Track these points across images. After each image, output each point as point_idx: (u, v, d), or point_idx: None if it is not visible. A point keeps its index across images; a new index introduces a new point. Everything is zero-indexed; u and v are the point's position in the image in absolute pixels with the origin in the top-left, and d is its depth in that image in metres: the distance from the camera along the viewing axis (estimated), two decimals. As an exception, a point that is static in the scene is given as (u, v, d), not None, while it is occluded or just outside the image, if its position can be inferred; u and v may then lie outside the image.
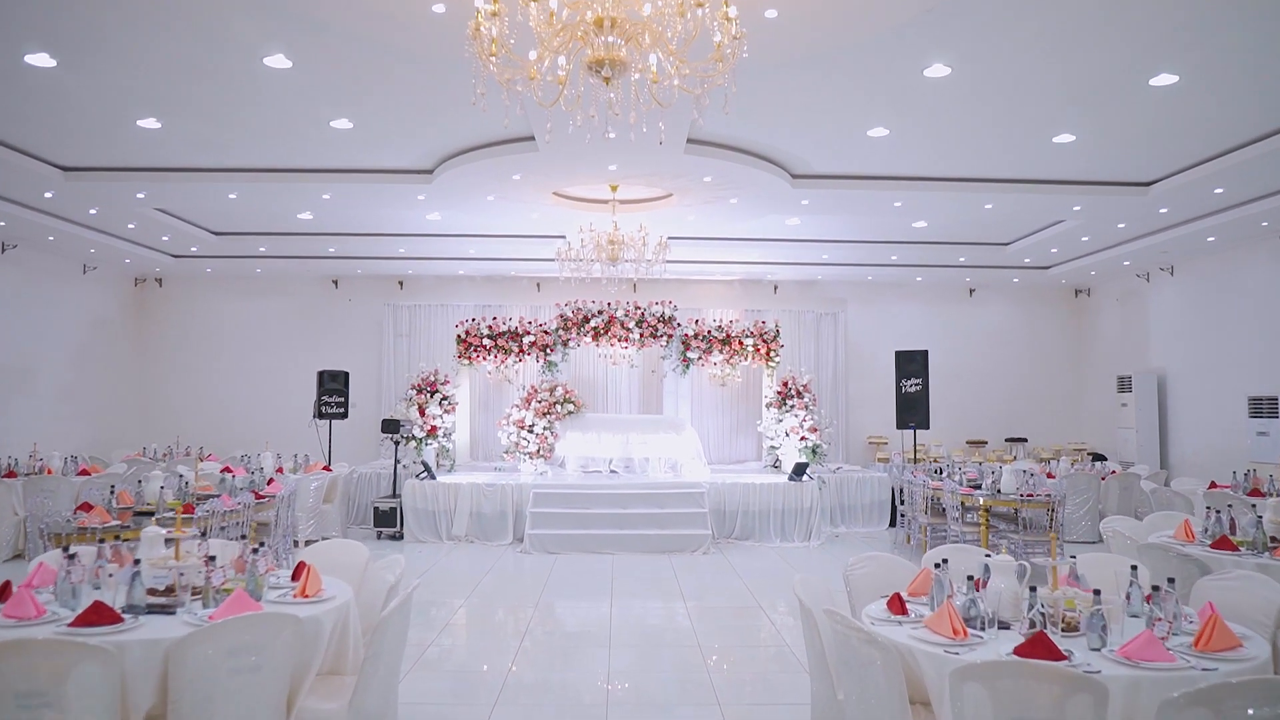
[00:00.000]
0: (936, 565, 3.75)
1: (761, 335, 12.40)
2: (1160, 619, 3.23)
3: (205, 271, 14.33)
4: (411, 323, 14.82)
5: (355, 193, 9.54)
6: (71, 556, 3.50)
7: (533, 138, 7.86)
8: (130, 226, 11.25)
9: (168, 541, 3.92)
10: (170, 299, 14.90)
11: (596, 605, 7.42)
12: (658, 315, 12.21)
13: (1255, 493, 8.15)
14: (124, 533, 5.61)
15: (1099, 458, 12.94)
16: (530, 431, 11.41)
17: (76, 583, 3.44)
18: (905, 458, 12.40)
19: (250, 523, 7.15)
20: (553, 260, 10.33)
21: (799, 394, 11.90)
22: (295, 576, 3.87)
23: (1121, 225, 10.88)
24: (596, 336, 12.15)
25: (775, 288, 15.23)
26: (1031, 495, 8.28)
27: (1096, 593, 3.25)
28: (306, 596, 3.67)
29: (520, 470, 11.39)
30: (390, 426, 11.11)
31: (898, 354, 12.60)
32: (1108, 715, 2.67)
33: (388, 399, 14.33)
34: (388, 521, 10.47)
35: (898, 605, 3.66)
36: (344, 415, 12.10)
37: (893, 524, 11.24)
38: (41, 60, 6.01)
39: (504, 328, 12.20)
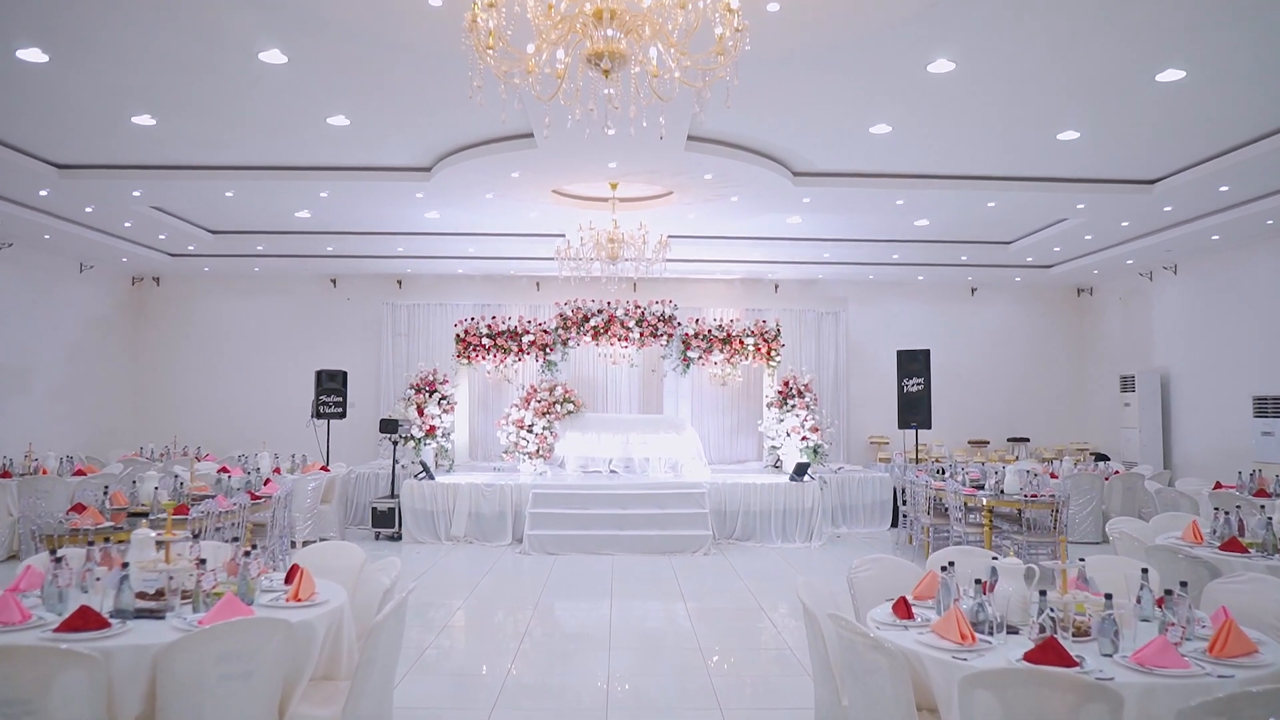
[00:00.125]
0: (943, 568, 3.68)
1: (762, 334, 12.32)
2: (1173, 624, 3.15)
3: (203, 270, 14.25)
4: (410, 322, 14.75)
5: (353, 191, 9.46)
6: (58, 560, 3.42)
7: (531, 134, 7.79)
8: (127, 225, 11.17)
9: (158, 544, 3.84)
10: (168, 298, 14.82)
11: (596, 607, 7.36)
12: (658, 314, 12.14)
13: (1261, 493, 8.08)
14: (115, 535, 5.53)
15: (1102, 458, 12.86)
16: (529, 431, 11.33)
17: (63, 586, 3.36)
18: (907, 458, 12.33)
19: (246, 524, 7.07)
20: (552, 259, 10.26)
21: (800, 394, 11.83)
22: (288, 580, 3.80)
23: (1125, 224, 10.80)
24: (596, 336, 12.08)
25: (776, 287, 15.16)
26: (1035, 496, 8.20)
27: (1108, 597, 3.17)
28: (299, 600, 3.59)
29: (519, 470, 11.32)
30: (388, 426, 11.03)
31: (899, 353, 12.53)
32: (1122, 724, 2.59)
33: (386, 399, 14.25)
34: (386, 522, 10.40)
35: (903, 609, 3.58)
36: (342, 415, 12.03)
37: (894, 524, 11.16)
38: (34, 55, 5.93)
39: (503, 327, 12.12)
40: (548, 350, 12.01)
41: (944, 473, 9.88)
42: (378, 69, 6.35)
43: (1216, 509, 5.53)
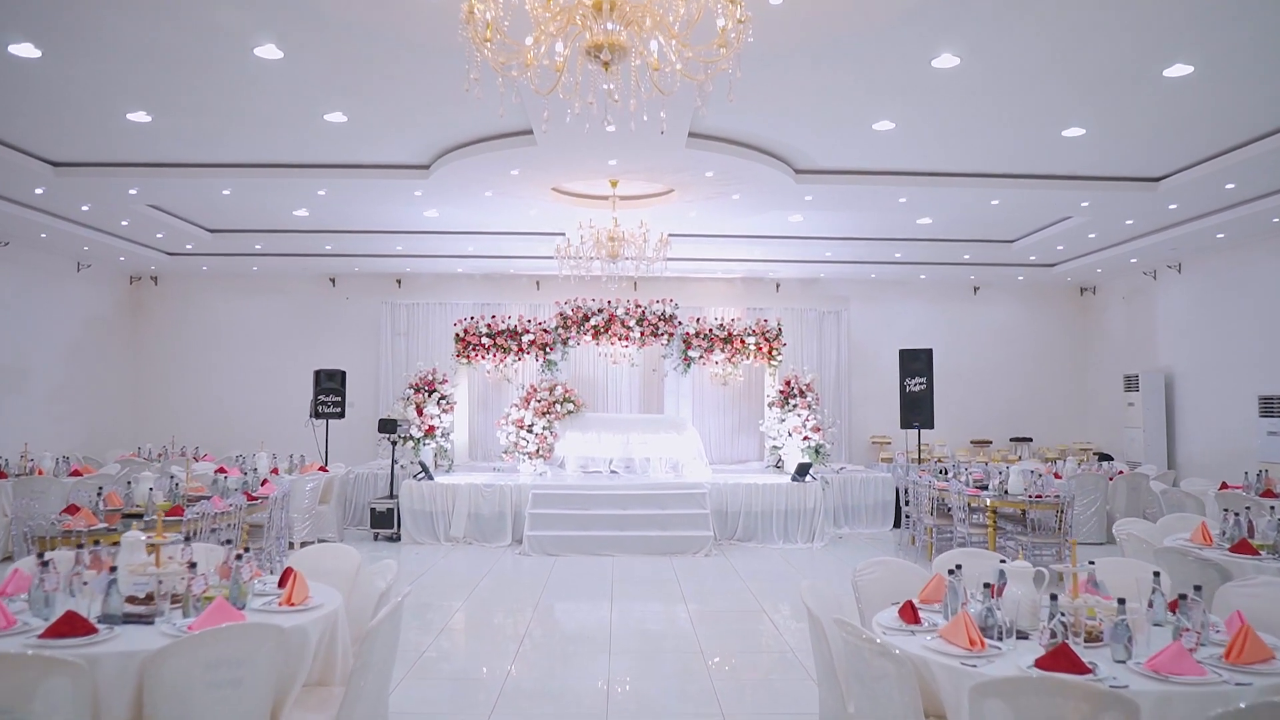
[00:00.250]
0: (950, 572, 3.60)
1: (763, 334, 12.25)
2: (1188, 629, 3.07)
3: (201, 270, 14.17)
4: (410, 321, 14.68)
5: (351, 188, 9.38)
6: (45, 563, 3.34)
7: (531, 131, 7.71)
8: (124, 223, 11.09)
9: (149, 547, 3.75)
10: (166, 297, 14.75)
11: (596, 608, 7.29)
12: (658, 313, 12.06)
13: (1268, 493, 8.00)
14: (107, 536, 5.45)
15: (1105, 457, 12.79)
16: (529, 431, 11.26)
17: (50, 590, 3.28)
18: (909, 458, 12.25)
19: (242, 525, 6.99)
20: (552, 258, 10.18)
21: (801, 393, 11.75)
22: (282, 583, 3.72)
23: (1129, 222, 10.72)
24: (596, 335, 12.01)
25: (777, 286, 15.08)
26: (1040, 496, 8.12)
27: (1121, 602, 3.08)
28: (293, 604, 3.52)
29: (519, 470, 11.25)
30: (387, 426, 10.96)
31: (902, 352, 12.45)
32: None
33: (385, 398, 14.18)
34: (385, 523, 10.32)
35: (910, 614, 3.50)
36: (341, 415, 11.96)
37: (897, 525, 11.08)
38: (26, 50, 5.85)
39: (503, 326, 12.05)
40: (548, 350, 11.94)
41: (947, 473, 9.80)
42: (375, 65, 6.27)
43: (1226, 510, 5.45)
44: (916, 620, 3.46)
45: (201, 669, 2.90)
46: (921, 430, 12.21)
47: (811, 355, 14.73)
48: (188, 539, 3.97)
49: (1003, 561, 3.89)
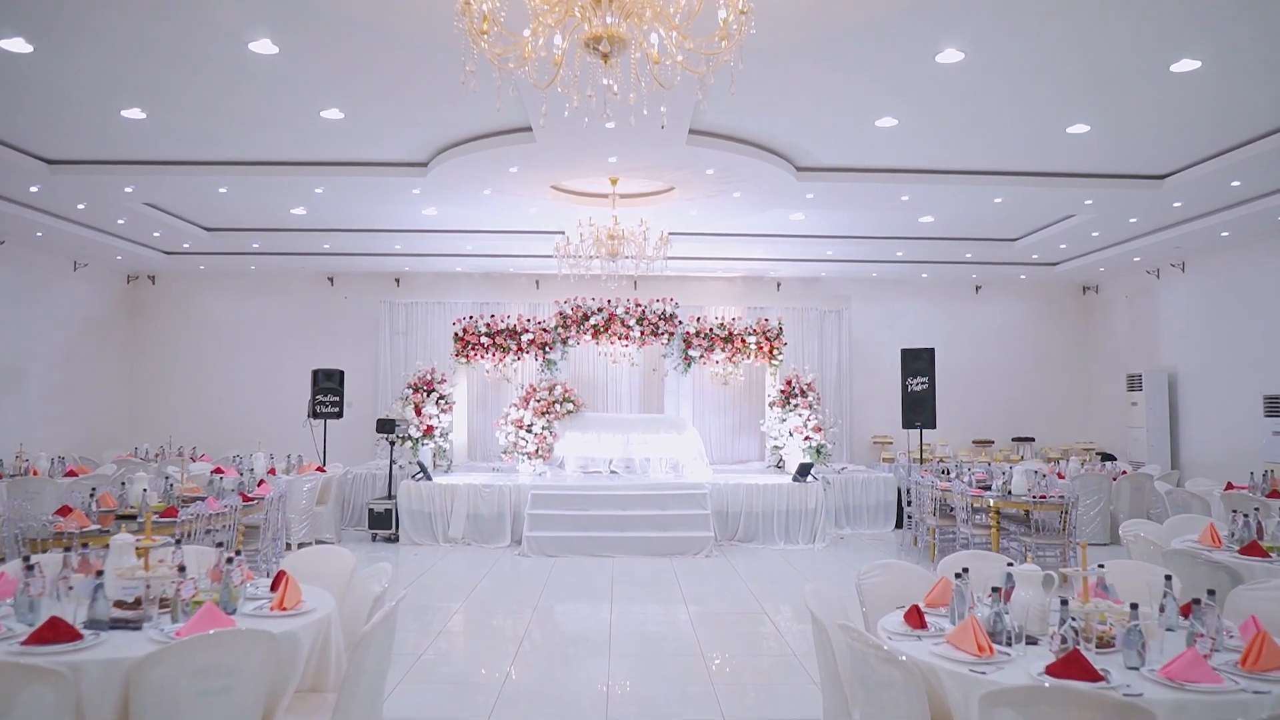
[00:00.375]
0: (957, 575, 3.52)
1: (764, 333, 12.17)
2: (1202, 634, 2.98)
3: (199, 269, 14.09)
4: (408, 320, 14.60)
5: (348, 186, 9.30)
6: (30, 567, 3.26)
7: (529, 128, 7.63)
8: (120, 222, 11.01)
9: (139, 550, 3.68)
10: (163, 297, 14.67)
11: (596, 610, 7.22)
12: (658, 313, 11.99)
13: (1275, 494, 7.92)
14: (96, 539, 5.36)
15: (1108, 458, 12.71)
16: (529, 431, 11.18)
17: (36, 595, 3.20)
18: (911, 458, 12.17)
19: (238, 527, 6.91)
20: (551, 257, 10.10)
21: (803, 393, 11.67)
22: (274, 587, 3.64)
23: (1133, 220, 10.63)
24: (596, 334, 11.93)
25: (778, 285, 14.99)
26: (1044, 497, 8.05)
27: (1134, 606, 3.00)
28: (284, 609, 3.43)
29: (518, 471, 11.18)
30: (385, 426, 10.88)
31: (903, 352, 12.38)
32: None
33: (384, 398, 14.10)
34: (383, 523, 10.25)
35: (916, 618, 3.42)
36: (339, 415, 11.89)
37: (899, 525, 11.01)
38: (17, 45, 5.77)
39: (502, 325, 11.99)
40: (547, 349, 11.86)
41: (949, 473, 9.73)
42: (371, 60, 6.19)
43: (1235, 511, 5.37)
44: (923, 625, 3.39)
45: (189, 676, 2.82)
46: (923, 430, 12.14)
47: (813, 355, 14.65)
48: (179, 542, 3.88)
49: (1010, 564, 3.81)
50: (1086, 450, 13.55)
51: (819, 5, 5.31)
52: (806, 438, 11.35)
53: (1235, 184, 8.83)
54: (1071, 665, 2.78)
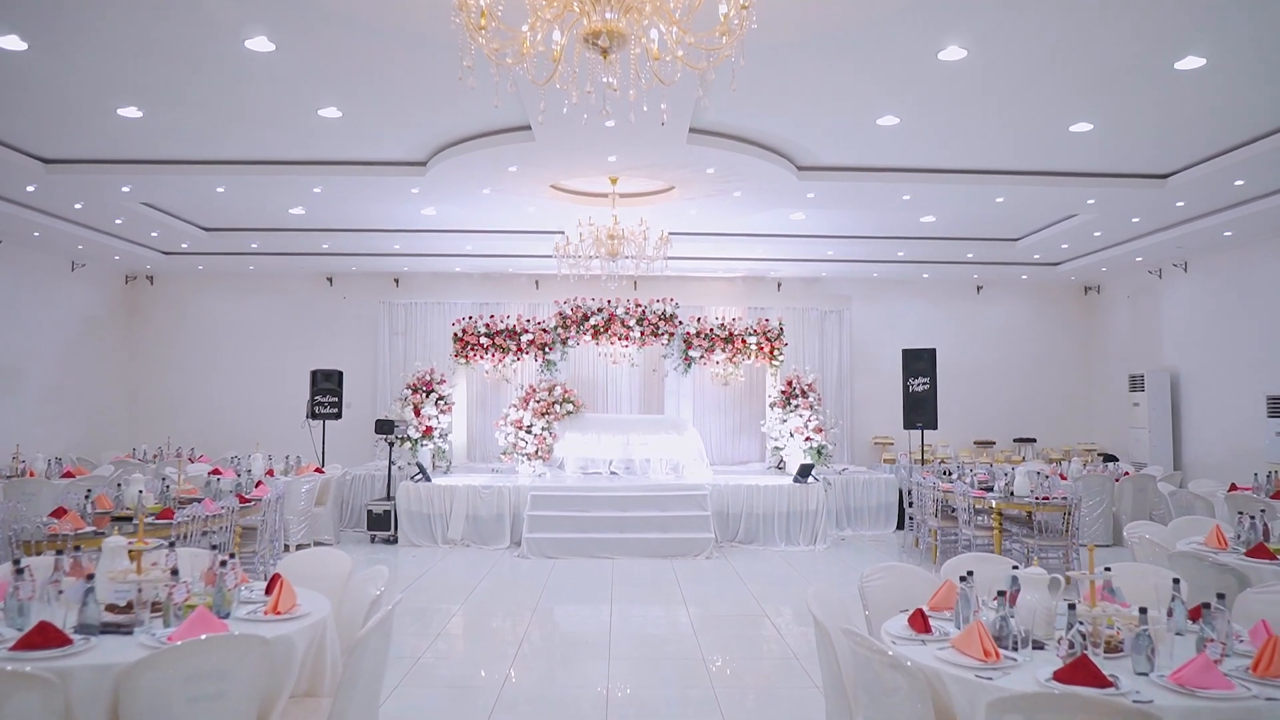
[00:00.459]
0: (962, 578, 3.47)
1: (765, 333, 12.11)
2: (1213, 639, 2.93)
3: (197, 269, 14.04)
4: (408, 321, 14.54)
5: (347, 186, 9.25)
6: (20, 570, 3.20)
7: (529, 127, 7.57)
8: (118, 222, 10.96)
9: (131, 552, 3.62)
10: (162, 297, 14.61)
11: (596, 612, 7.17)
12: (659, 313, 11.94)
13: (1279, 495, 7.86)
14: (91, 541, 5.31)
15: (1110, 458, 12.65)
16: (528, 432, 11.13)
17: (25, 599, 3.15)
18: (912, 459, 12.12)
19: (234, 528, 6.85)
20: (551, 257, 10.05)
21: (803, 393, 11.62)
22: (269, 590, 3.59)
23: (1136, 219, 10.58)
24: (596, 335, 11.88)
25: (779, 285, 14.94)
26: (1047, 498, 7.99)
27: (1143, 611, 2.95)
28: (279, 613, 3.38)
29: (518, 472, 11.13)
30: (384, 427, 10.83)
31: (905, 352, 12.32)
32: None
33: (383, 399, 14.04)
34: (381, 525, 10.19)
35: (920, 622, 3.37)
36: (337, 415, 11.84)
37: (900, 527, 10.95)
38: (12, 43, 5.71)
39: (502, 326, 11.93)
40: (547, 349, 11.81)
41: (951, 474, 9.68)
42: (368, 58, 6.13)
43: (1241, 513, 5.31)
44: (927, 629, 3.33)
45: (181, 682, 2.76)
46: (925, 431, 12.08)
47: (813, 355, 14.59)
48: (173, 544, 3.83)
49: (1015, 567, 3.76)
50: (1088, 451, 13.49)
51: (820, 1, 5.26)
52: (807, 438, 11.29)
53: (1239, 183, 8.78)
54: (1080, 671, 2.73)
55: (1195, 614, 3.31)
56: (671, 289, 13.72)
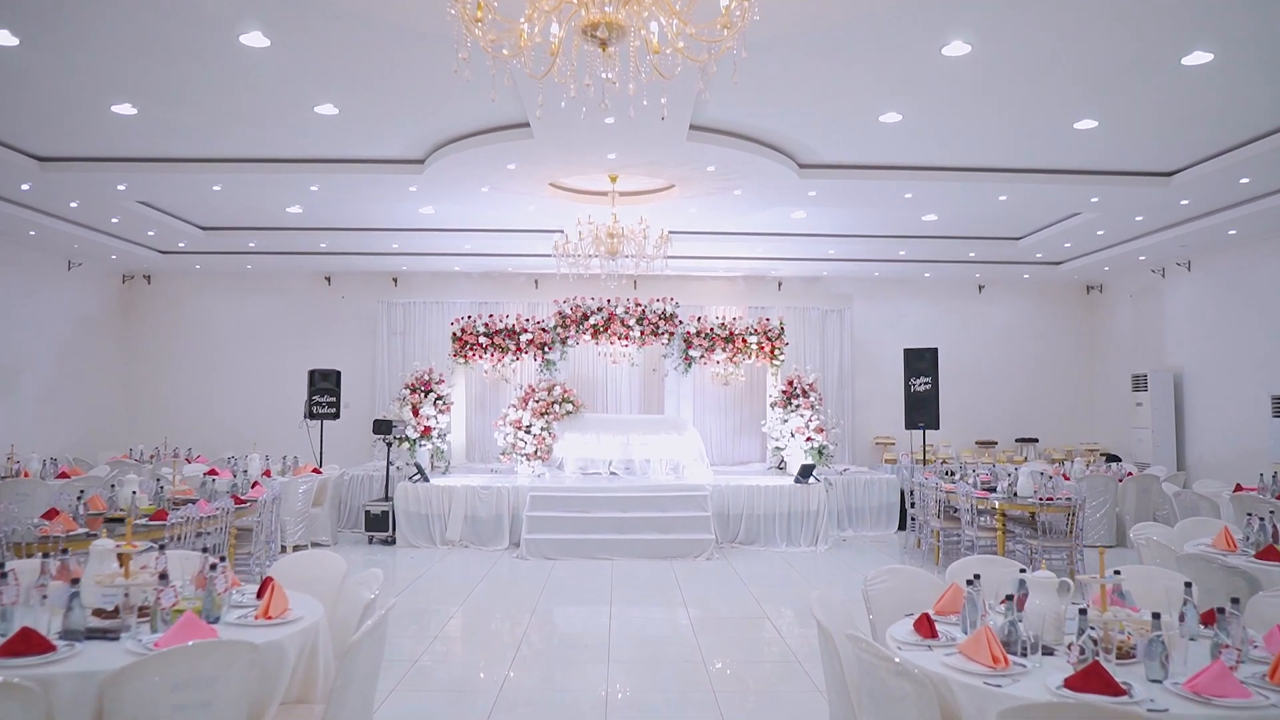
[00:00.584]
0: (969, 582, 3.39)
1: (765, 333, 12.04)
2: (1228, 645, 2.85)
3: (194, 268, 13.96)
4: (406, 320, 14.45)
5: (344, 184, 9.17)
6: (4, 574, 3.12)
7: (527, 124, 7.49)
8: (114, 221, 10.88)
9: (120, 555, 3.54)
10: (159, 296, 14.53)
11: (595, 613, 7.09)
12: (659, 312, 11.86)
13: (1285, 496, 7.77)
14: (80, 543, 5.22)
15: (1113, 458, 12.57)
16: (527, 432, 11.05)
17: (9, 604, 3.07)
18: (914, 459, 12.04)
19: (229, 530, 6.78)
20: (550, 256, 9.97)
21: (804, 393, 11.54)
22: (261, 593, 3.51)
23: (1139, 218, 10.50)
24: (596, 334, 11.80)
25: (779, 284, 14.86)
26: (1051, 499, 7.92)
27: (1156, 616, 2.87)
28: (270, 618, 3.30)
29: (517, 472, 11.05)
30: (382, 427, 10.75)
31: (906, 352, 12.25)
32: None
33: (381, 398, 13.96)
34: (379, 525, 10.12)
35: (926, 627, 3.29)
36: (335, 415, 11.76)
37: (901, 527, 10.88)
38: (2, 38, 5.64)
39: (501, 325, 11.85)
40: (546, 349, 11.73)
41: (953, 474, 9.60)
42: (364, 53, 6.06)
43: (1250, 514, 5.23)
44: (933, 634, 3.26)
45: (167, 690, 2.69)
46: (926, 431, 12.00)
47: (814, 355, 14.51)
48: (163, 547, 3.75)
49: (1022, 571, 3.68)
50: (1090, 451, 13.40)
51: (823, -5, 5.19)
52: (808, 439, 11.22)
53: (1244, 181, 8.70)
54: (1092, 678, 2.65)
55: (1208, 618, 3.24)
56: (671, 288, 13.65)
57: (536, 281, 14.47)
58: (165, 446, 12.36)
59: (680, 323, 11.94)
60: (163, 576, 3.33)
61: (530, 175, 8.96)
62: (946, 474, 9.69)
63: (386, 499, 10.34)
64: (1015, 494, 8.12)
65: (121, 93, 6.74)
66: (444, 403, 11.30)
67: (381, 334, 14.40)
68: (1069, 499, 7.91)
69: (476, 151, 8.03)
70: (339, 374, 11.93)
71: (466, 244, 12.46)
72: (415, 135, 8.00)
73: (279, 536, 8.37)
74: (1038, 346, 15.10)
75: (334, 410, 11.70)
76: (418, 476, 10.30)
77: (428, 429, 11.03)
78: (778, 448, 11.91)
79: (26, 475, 9.07)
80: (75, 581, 3.11)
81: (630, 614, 7.05)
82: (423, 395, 11.18)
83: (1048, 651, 3.08)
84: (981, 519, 8.39)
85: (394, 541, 10.02)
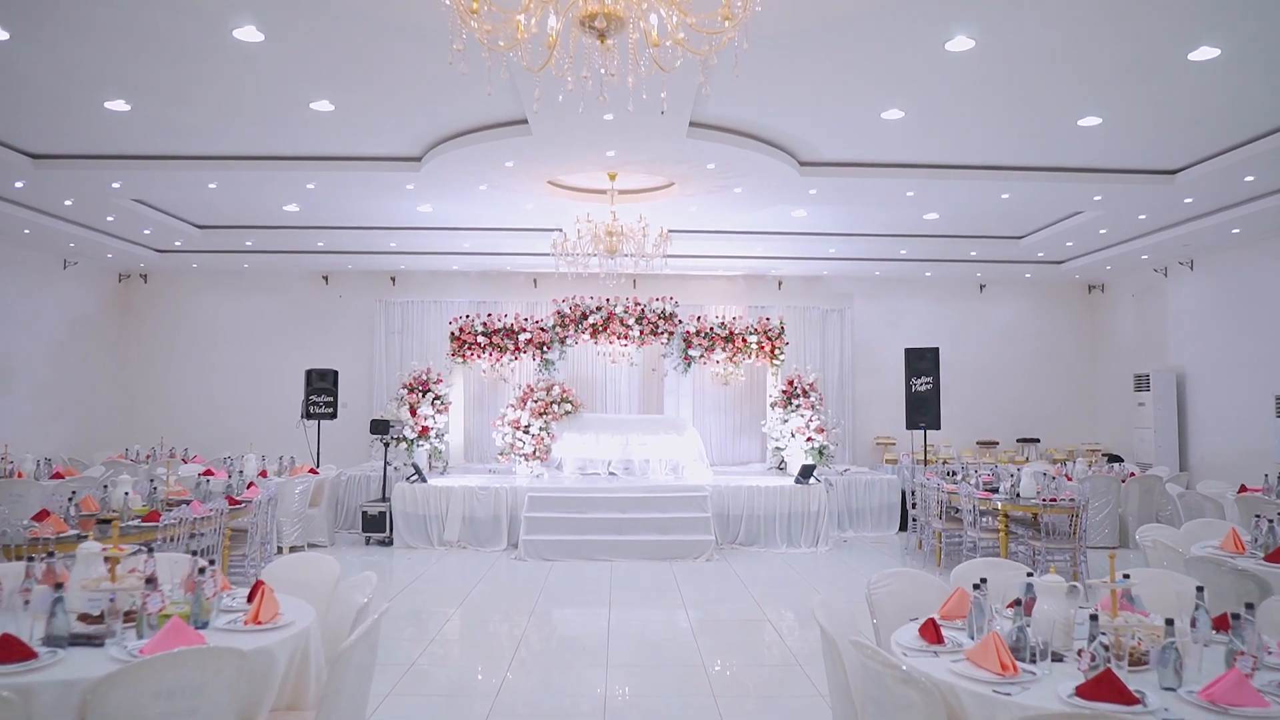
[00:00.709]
0: (975, 586, 3.31)
1: (765, 332, 11.96)
2: (1243, 652, 2.77)
3: (191, 267, 13.87)
4: (404, 320, 14.37)
5: (341, 182, 9.09)
6: (-14, 579, 3.05)
7: (525, 121, 7.41)
8: (109, 219, 10.80)
9: (107, 558, 3.47)
10: (155, 295, 14.45)
11: (594, 615, 7.02)
12: (658, 312, 11.78)
13: (1290, 496, 7.70)
14: (70, 545, 5.14)
15: (1115, 459, 12.49)
16: (526, 432, 10.97)
17: (-8, 609, 3.00)
18: (915, 459, 11.96)
19: (224, 531, 6.69)
20: (549, 254, 9.89)
21: (805, 393, 11.47)
22: (251, 597, 3.43)
23: (1142, 217, 10.43)
24: (595, 334, 11.73)
25: (780, 283, 14.78)
26: (1054, 500, 7.84)
27: (1169, 622, 2.79)
28: (259, 623, 3.23)
29: (515, 473, 10.97)
30: (379, 427, 10.67)
31: (907, 351, 12.17)
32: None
33: (379, 398, 13.89)
34: (377, 526, 10.04)
35: (932, 632, 3.22)
36: (333, 415, 11.68)
37: (903, 528, 10.81)
38: (-7, 33, 5.56)
39: (499, 325, 11.77)
40: (545, 349, 11.65)
41: (954, 475, 9.52)
42: (361, 49, 5.97)
43: (1257, 516, 5.15)
44: (939, 640, 3.18)
45: (151, 698, 2.61)
46: (927, 431, 11.93)
47: (815, 354, 14.44)
48: (151, 549, 3.67)
49: (1029, 574, 3.60)
50: (1092, 451, 13.33)
51: (825, -11, 5.11)
52: (809, 439, 11.14)
53: (1249, 179, 8.62)
54: (1104, 686, 2.57)
55: (1220, 624, 3.16)
56: (671, 287, 13.57)
57: (535, 280, 14.39)
58: (161, 447, 12.27)
59: (680, 322, 11.86)
60: (150, 580, 3.25)
61: (528, 173, 8.88)
62: (948, 474, 9.62)
63: (384, 500, 10.26)
64: (1018, 495, 8.05)
65: (114, 88, 6.65)
66: (442, 403, 11.22)
67: (379, 333, 14.32)
68: (1073, 500, 7.84)
69: (474, 149, 7.95)
70: (336, 374, 11.85)
71: (464, 243, 12.38)
72: (412, 132, 7.92)
73: (274, 538, 8.29)
74: (1039, 346, 15.03)
75: (331, 410, 11.63)
76: (415, 477, 10.22)
77: (425, 429, 10.95)
78: (778, 448, 11.84)
79: (21, 476, 8.98)
80: (59, 586, 3.03)
81: (629, 616, 6.98)
82: (420, 395, 11.10)
83: (1057, 658, 3.00)
84: (984, 520, 8.32)
85: (391, 542, 9.94)
